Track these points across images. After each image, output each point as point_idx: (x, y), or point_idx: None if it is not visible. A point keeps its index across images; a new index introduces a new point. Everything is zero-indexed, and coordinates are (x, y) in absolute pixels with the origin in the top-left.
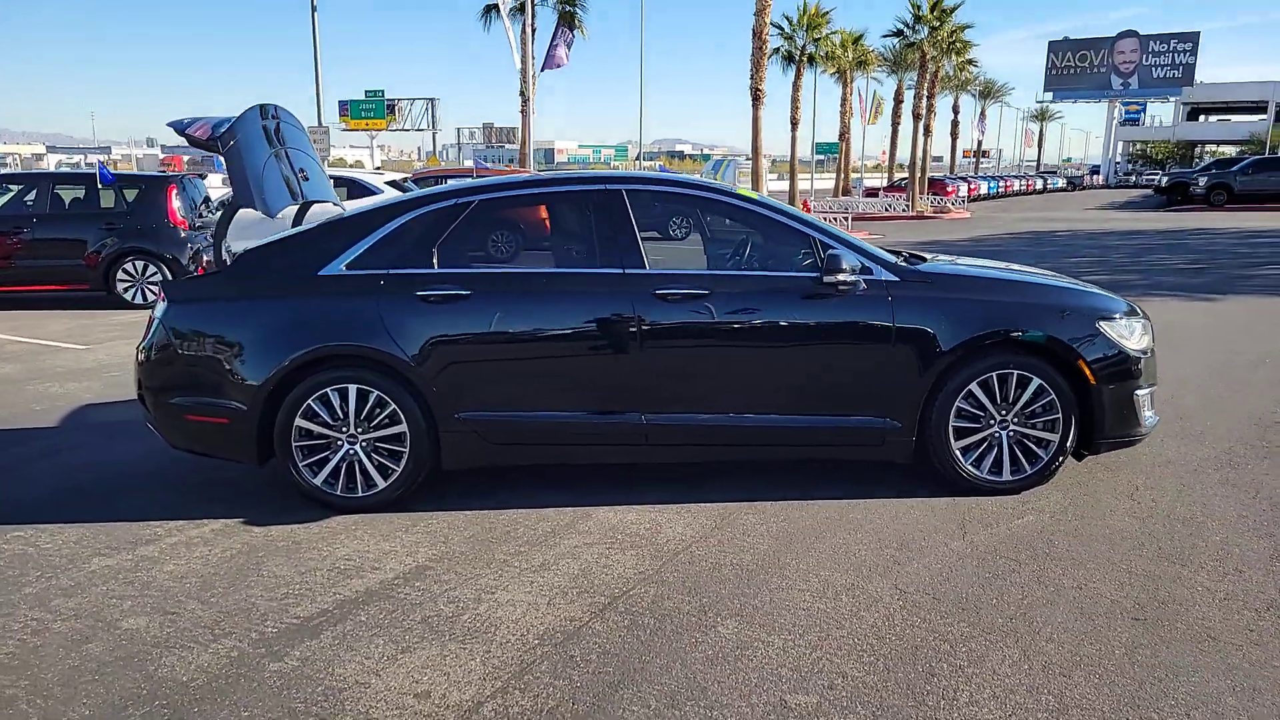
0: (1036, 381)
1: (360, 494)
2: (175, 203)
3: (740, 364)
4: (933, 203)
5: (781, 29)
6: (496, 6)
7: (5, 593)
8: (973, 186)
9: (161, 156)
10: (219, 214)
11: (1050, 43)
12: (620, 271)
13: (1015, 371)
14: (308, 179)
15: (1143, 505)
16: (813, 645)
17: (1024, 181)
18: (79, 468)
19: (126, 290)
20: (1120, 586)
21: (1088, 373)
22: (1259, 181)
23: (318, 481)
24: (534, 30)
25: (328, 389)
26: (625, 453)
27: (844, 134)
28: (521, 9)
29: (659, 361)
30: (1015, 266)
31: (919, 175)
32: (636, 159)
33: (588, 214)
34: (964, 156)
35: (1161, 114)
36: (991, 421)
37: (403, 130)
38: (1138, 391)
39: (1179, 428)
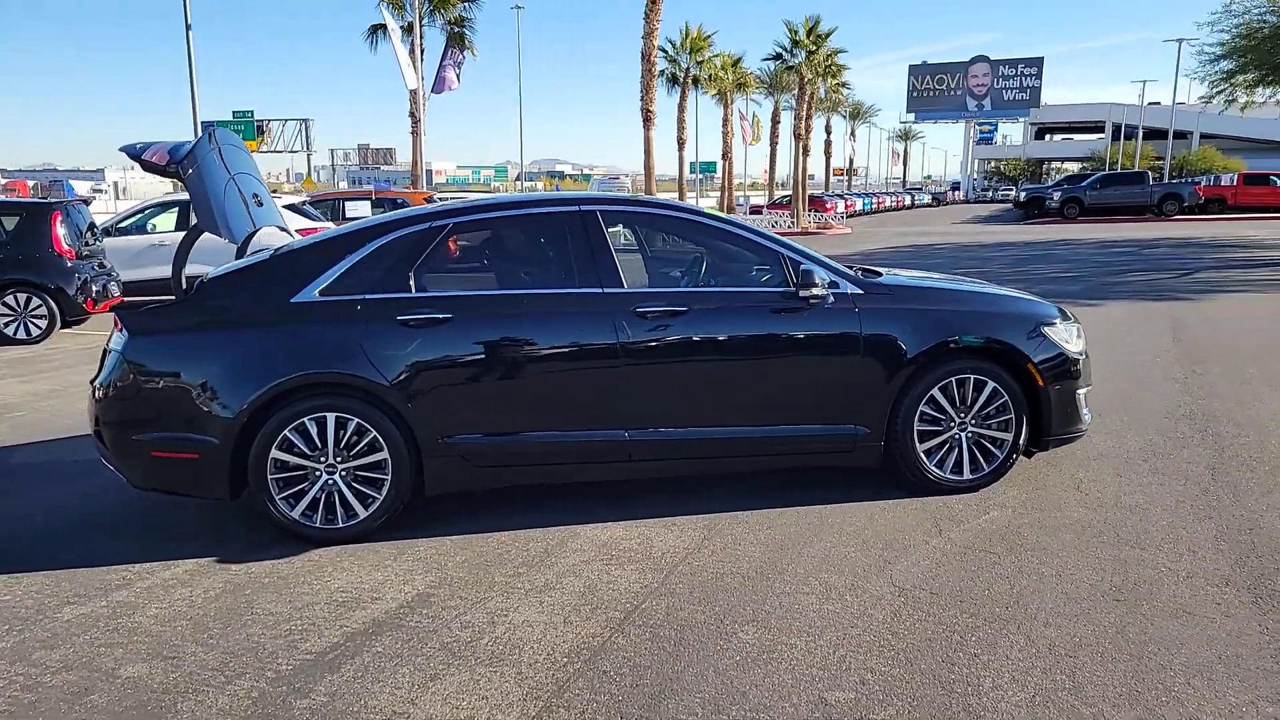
0: (991, 385)
1: (340, 525)
2: (60, 230)
3: (719, 377)
4: (815, 219)
5: (666, 51)
6: (384, 26)
7: None
8: (849, 203)
9: (3, 182)
10: (181, 241)
11: (911, 67)
12: (600, 291)
13: (972, 376)
14: (260, 204)
15: (1091, 496)
16: (834, 644)
17: (894, 198)
18: (14, 515)
19: (8, 325)
20: (1095, 572)
21: (1036, 375)
22: (1106, 195)
23: (295, 514)
24: (422, 51)
25: (305, 419)
26: (609, 470)
27: (726, 154)
28: (409, 29)
29: (641, 378)
30: (957, 278)
31: (802, 193)
32: (516, 179)
33: (564, 235)
34: (835, 175)
35: (1012, 133)
36: (952, 424)
37: (274, 152)
38: (1078, 391)
39: (1101, 423)
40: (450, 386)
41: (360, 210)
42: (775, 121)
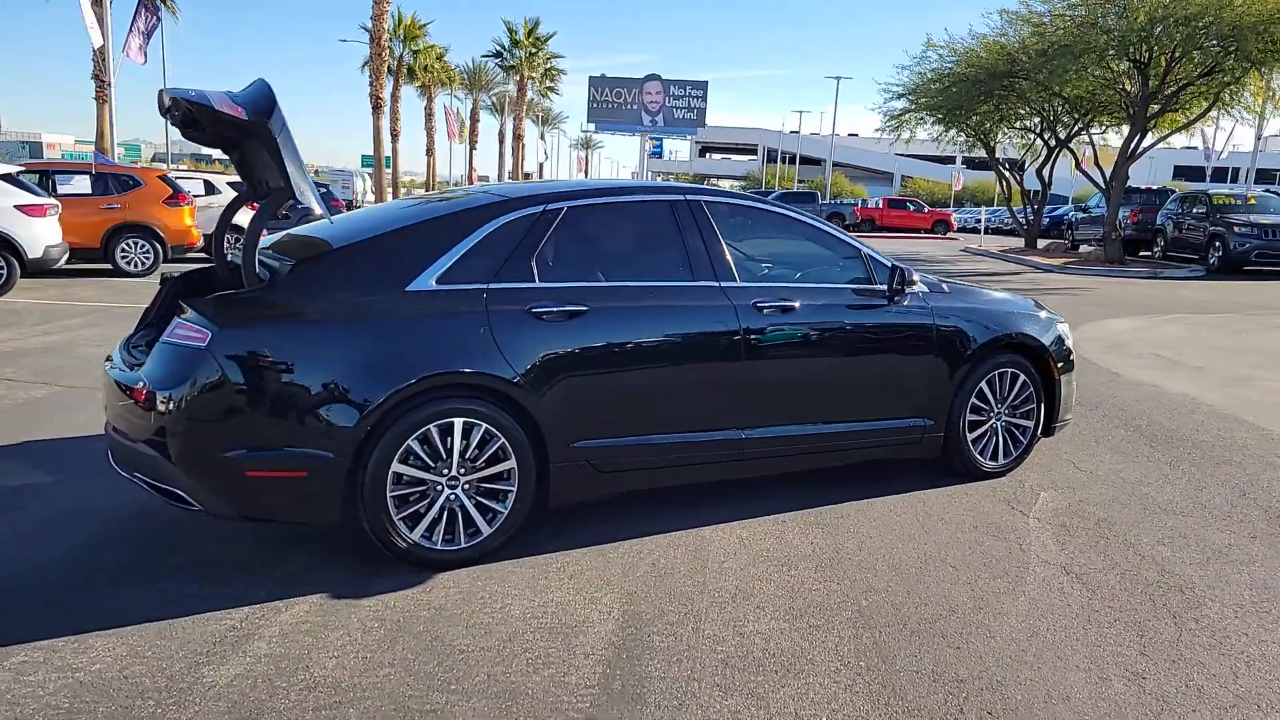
0: (1023, 377)
1: (462, 545)
2: None
3: (821, 374)
4: None
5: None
6: None
7: None
8: None
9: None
10: (254, 216)
11: (590, 78)
12: (718, 285)
13: (1009, 369)
14: None
15: (1102, 474)
16: (1048, 616)
17: None
18: (14, 559)
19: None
20: (1186, 531)
21: (1053, 367)
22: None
23: (415, 536)
24: (110, 4)
25: (430, 425)
26: (721, 470)
27: (430, 150)
28: None
29: (756, 375)
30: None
31: None
32: (153, 160)
33: (676, 226)
34: (526, 178)
35: (680, 150)
36: (991, 414)
37: None
38: (1074, 381)
39: None
40: (582, 386)
41: (78, 186)
42: (475, 120)
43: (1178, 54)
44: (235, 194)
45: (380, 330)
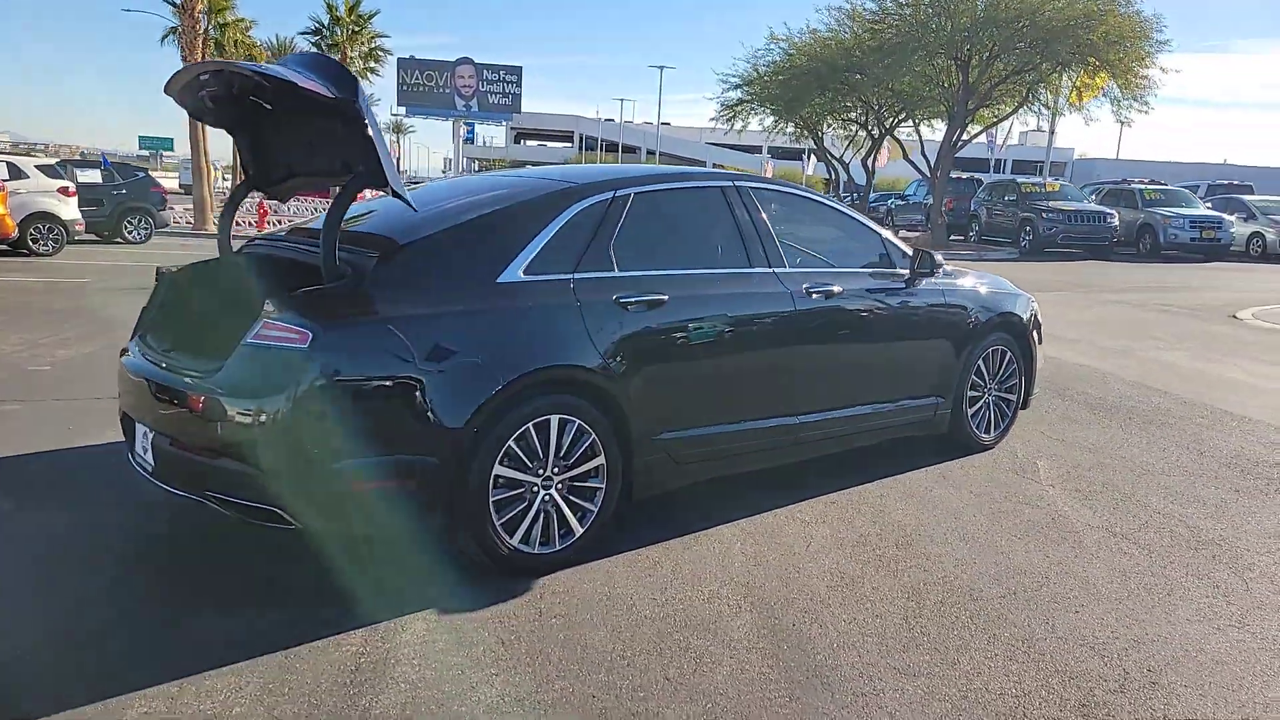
0: (1010, 354)
1: (557, 547)
2: None
3: (860, 356)
4: None
5: (176, 5)
6: None
7: None
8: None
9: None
10: (333, 203)
11: (400, 60)
12: (771, 270)
13: (999, 347)
14: None
15: (1074, 440)
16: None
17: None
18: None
19: None
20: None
21: (1033, 343)
22: None
23: (515, 541)
24: None
25: (529, 424)
26: (776, 455)
27: None
28: None
29: (807, 360)
30: None
31: None
32: None
33: (729, 211)
34: None
35: (495, 136)
36: (985, 390)
37: None
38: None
39: None
40: (663, 377)
41: None
42: None
43: (996, 53)
44: (48, 177)
45: (482, 325)
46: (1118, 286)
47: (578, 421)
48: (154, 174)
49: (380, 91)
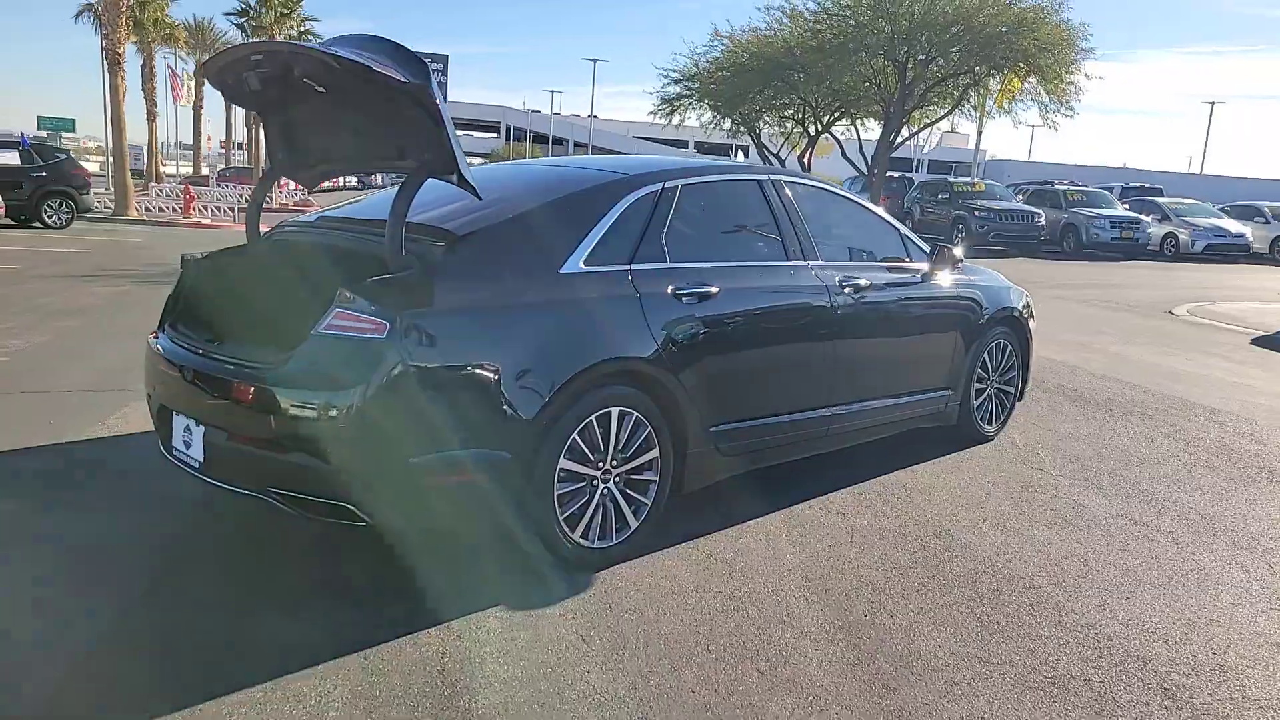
0: (1010, 346)
1: (615, 541)
2: None
3: (890, 350)
4: (292, 197)
5: None
6: None
7: None
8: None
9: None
10: (399, 191)
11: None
12: (807, 264)
13: (1001, 340)
14: None
15: (1066, 431)
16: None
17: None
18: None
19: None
20: (1173, 469)
21: (1029, 337)
22: None
23: (577, 535)
24: None
25: (592, 416)
26: (810, 446)
27: (152, 112)
28: None
29: (841, 351)
30: None
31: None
32: None
33: (767, 204)
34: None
35: None
36: (988, 382)
37: None
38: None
39: None
40: (714, 369)
41: None
42: (200, 83)
43: (933, 55)
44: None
45: (549, 315)
46: (1054, 283)
47: (635, 414)
48: (76, 156)
49: None
